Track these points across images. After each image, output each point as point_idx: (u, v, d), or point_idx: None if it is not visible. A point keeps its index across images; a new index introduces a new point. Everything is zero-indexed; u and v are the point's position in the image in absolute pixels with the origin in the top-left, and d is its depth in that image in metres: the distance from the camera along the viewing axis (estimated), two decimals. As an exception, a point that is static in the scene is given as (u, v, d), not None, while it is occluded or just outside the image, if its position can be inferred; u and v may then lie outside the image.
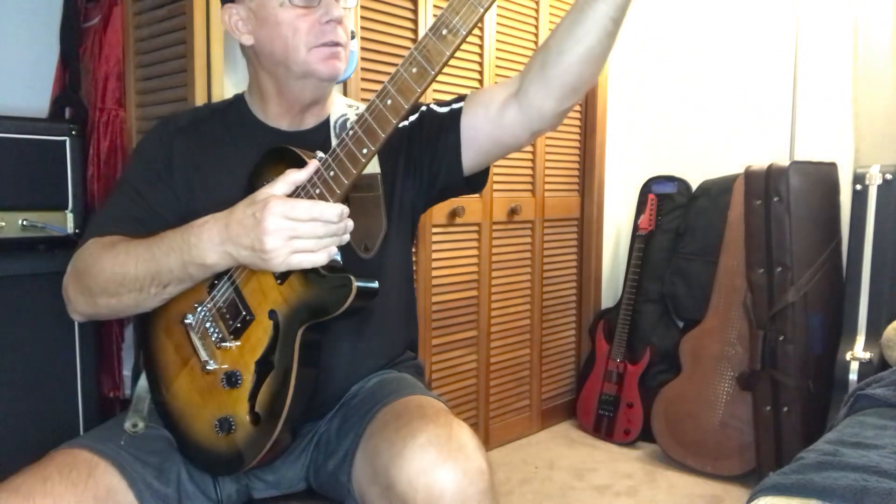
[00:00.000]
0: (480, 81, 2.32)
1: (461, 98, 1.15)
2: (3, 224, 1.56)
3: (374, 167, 1.13)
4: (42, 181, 1.62)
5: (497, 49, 2.38)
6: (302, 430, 1.08)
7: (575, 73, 0.97)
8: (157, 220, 1.05)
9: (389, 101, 0.87)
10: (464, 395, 2.39)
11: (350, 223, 0.89)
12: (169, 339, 1.03)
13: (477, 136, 1.11)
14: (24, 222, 1.59)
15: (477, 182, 1.19)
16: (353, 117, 1.16)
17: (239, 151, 1.10)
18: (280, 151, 0.99)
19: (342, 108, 1.18)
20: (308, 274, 0.92)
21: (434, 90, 2.18)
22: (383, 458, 0.89)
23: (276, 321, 0.94)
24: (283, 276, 0.94)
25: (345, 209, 0.88)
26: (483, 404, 2.46)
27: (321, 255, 0.87)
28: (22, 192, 1.59)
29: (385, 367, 1.16)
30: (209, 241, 0.90)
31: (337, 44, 1.04)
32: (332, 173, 0.90)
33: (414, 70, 0.85)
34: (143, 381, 1.09)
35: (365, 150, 0.89)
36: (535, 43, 2.52)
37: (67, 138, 1.65)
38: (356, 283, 0.91)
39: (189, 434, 1.00)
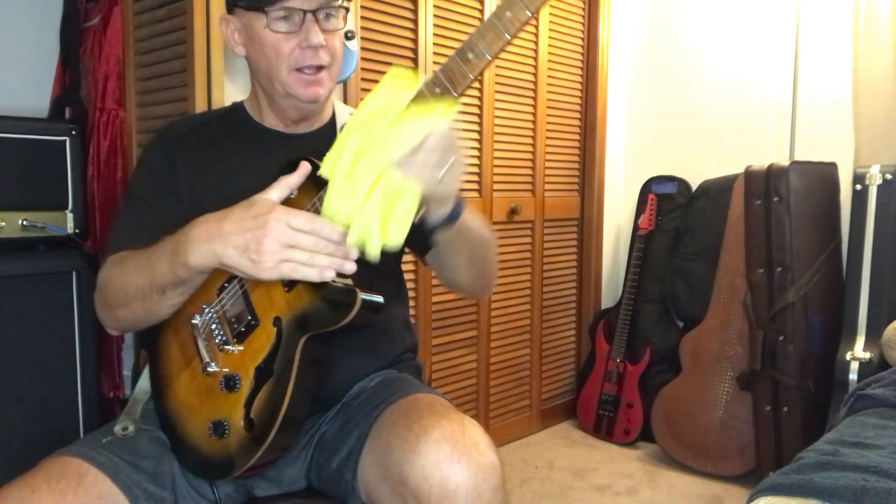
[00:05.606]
0: (480, 81, 2.32)
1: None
2: (3, 224, 1.56)
3: None
4: (42, 181, 1.63)
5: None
6: (302, 429, 1.09)
7: (451, 280, 1.13)
8: (168, 226, 1.03)
9: None
10: (464, 395, 2.39)
11: (353, 254, 0.84)
12: (175, 337, 1.03)
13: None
14: (24, 222, 1.59)
15: None
16: None
17: (240, 153, 1.12)
18: (297, 163, 0.94)
19: (346, 112, 1.19)
20: (315, 284, 0.89)
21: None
22: (395, 453, 0.90)
23: (280, 328, 0.93)
24: (290, 284, 0.93)
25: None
26: (483, 404, 2.46)
27: (312, 270, 0.83)
28: (22, 192, 1.59)
29: (385, 367, 1.17)
30: (196, 240, 0.88)
31: (319, 67, 1.05)
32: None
33: (437, 91, 0.81)
34: (141, 384, 1.09)
35: None
36: (535, 44, 2.52)
37: (67, 138, 1.66)
38: (360, 297, 0.89)
39: (183, 435, 1.00)
